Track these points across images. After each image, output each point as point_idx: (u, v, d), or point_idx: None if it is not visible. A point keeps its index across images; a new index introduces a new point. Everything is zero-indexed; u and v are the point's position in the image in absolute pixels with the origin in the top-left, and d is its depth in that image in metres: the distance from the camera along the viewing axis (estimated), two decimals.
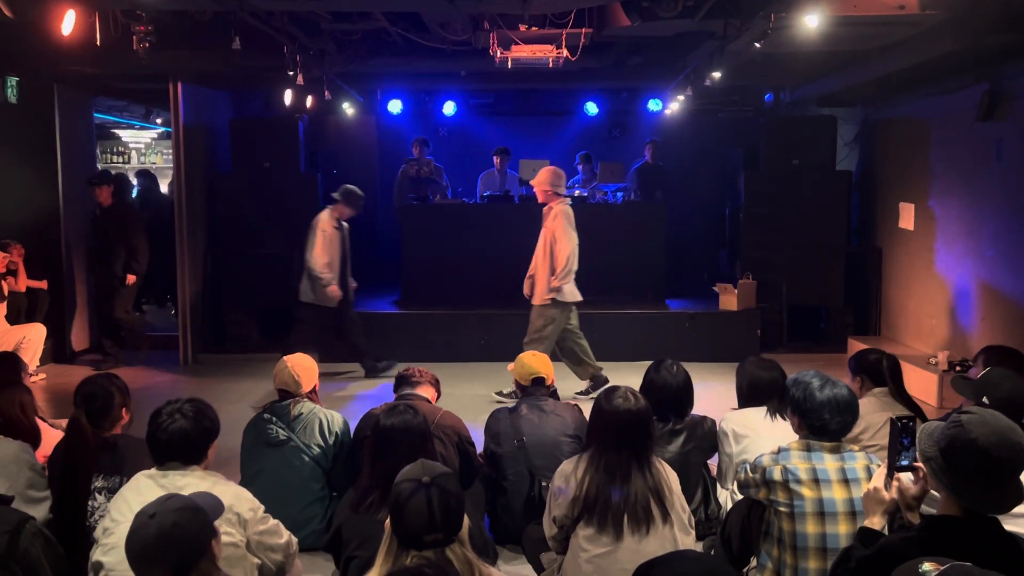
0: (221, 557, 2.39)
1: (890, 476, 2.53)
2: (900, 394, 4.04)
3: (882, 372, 4.11)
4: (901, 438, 2.50)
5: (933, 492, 2.40)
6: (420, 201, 9.55)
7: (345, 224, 7.73)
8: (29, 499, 3.37)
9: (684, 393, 4.28)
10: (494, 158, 10.28)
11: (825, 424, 3.02)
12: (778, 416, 3.95)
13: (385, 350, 8.17)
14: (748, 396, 4.17)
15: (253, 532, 2.91)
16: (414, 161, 9.84)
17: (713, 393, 7.15)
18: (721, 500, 4.27)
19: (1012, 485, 2.15)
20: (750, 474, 3.08)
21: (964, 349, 7.37)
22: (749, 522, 3.22)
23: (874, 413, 4.02)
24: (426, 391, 4.44)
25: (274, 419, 4.24)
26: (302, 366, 4.36)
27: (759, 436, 3.92)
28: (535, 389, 4.61)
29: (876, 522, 2.52)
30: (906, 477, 2.51)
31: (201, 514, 2.31)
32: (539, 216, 9.19)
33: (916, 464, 2.46)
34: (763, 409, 4.03)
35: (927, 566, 1.77)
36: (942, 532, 2.18)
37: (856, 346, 8.38)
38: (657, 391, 4.14)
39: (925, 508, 2.53)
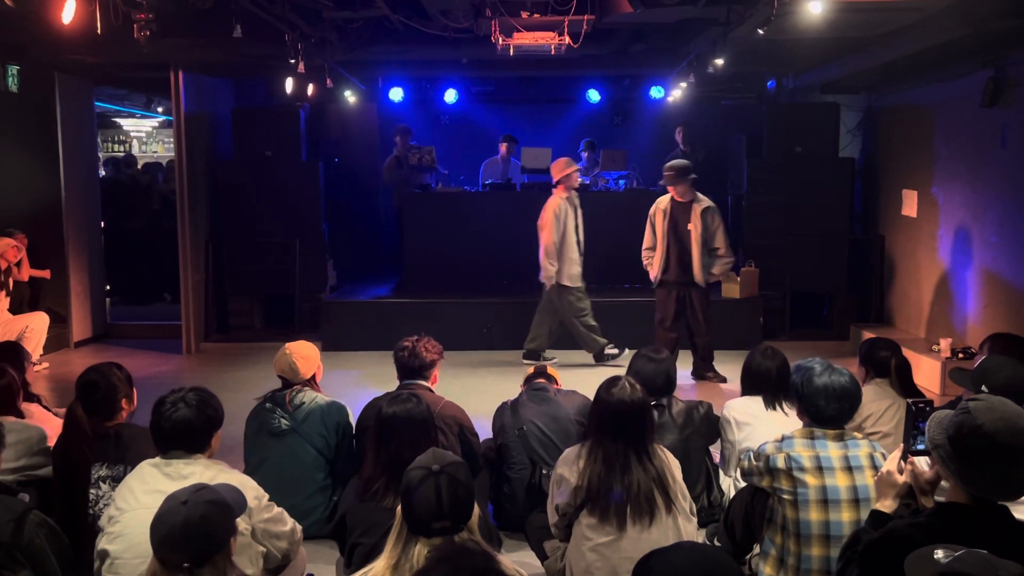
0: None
1: (904, 460, 2.53)
2: (907, 392, 4.03)
3: (889, 370, 4.10)
4: (917, 422, 2.48)
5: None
6: (421, 189, 9.53)
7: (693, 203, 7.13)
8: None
9: (663, 376, 4.26)
10: (500, 145, 10.23)
11: (820, 410, 3.02)
12: (777, 406, 3.96)
13: (386, 338, 8.14)
14: (747, 384, 4.17)
15: (258, 520, 2.92)
16: (416, 149, 9.81)
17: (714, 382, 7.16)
18: (724, 487, 4.28)
19: (1019, 472, 2.14)
20: (753, 462, 3.08)
21: (967, 336, 7.37)
22: (752, 509, 3.22)
23: (876, 401, 4.04)
24: (428, 380, 4.44)
25: (276, 408, 4.25)
26: (301, 354, 4.34)
27: (761, 424, 3.92)
28: (536, 378, 4.63)
29: (888, 505, 2.52)
30: (921, 461, 2.50)
31: (228, 511, 2.35)
32: (540, 204, 9.20)
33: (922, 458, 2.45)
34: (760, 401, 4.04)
35: (940, 553, 1.76)
36: (950, 519, 2.18)
37: (859, 333, 8.38)
38: (640, 377, 4.18)
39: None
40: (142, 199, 11.23)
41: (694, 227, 7.02)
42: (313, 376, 4.39)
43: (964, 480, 2.17)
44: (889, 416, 3.98)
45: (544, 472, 4.11)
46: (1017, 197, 6.80)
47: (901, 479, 2.51)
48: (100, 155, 11.62)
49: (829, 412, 3.02)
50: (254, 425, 4.32)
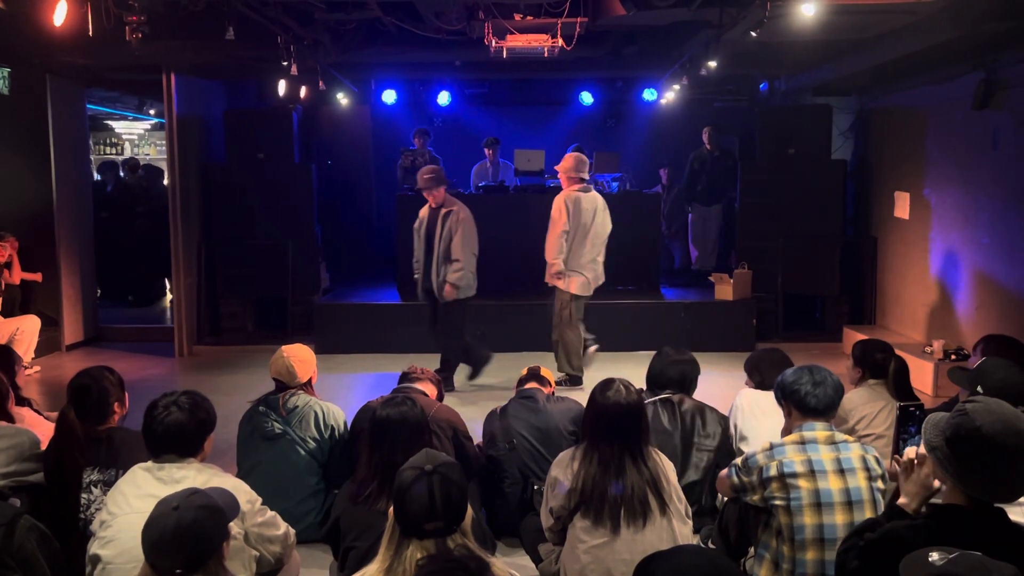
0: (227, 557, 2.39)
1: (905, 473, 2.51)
2: (903, 395, 4.02)
3: (886, 372, 4.10)
4: (908, 426, 2.48)
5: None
6: (415, 192, 9.51)
7: (444, 209, 6.88)
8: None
9: (678, 371, 4.28)
10: (485, 150, 10.25)
11: (802, 397, 3.03)
12: None
13: (379, 340, 8.15)
14: (763, 379, 4.18)
15: (251, 524, 2.90)
16: (409, 152, 9.80)
17: (710, 383, 7.15)
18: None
19: (1017, 473, 2.14)
20: (744, 478, 3.07)
21: (959, 338, 7.39)
22: (746, 513, 3.21)
23: (869, 403, 4.03)
24: (425, 387, 4.42)
25: (269, 412, 4.22)
26: (298, 357, 4.32)
27: (764, 418, 3.92)
28: (528, 380, 4.60)
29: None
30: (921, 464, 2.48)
31: (220, 515, 2.34)
32: (534, 206, 9.19)
33: (922, 452, 2.44)
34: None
35: (935, 555, 1.77)
36: (947, 521, 2.18)
37: (851, 335, 8.39)
38: (654, 371, 4.23)
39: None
40: (144, 201, 11.28)
41: (440, 235, 6.81)
42: (309, 380, 4.36)
43: (963, 482, 2.18)
44: (882, 418, 3.98)
45: (536, 487, 4.06)
46: (1008, 199, 6.82)
47: (935, 483, 2.47)
48: (92, 157, 11.59)
49: (812, 392, 3.02)
50: (247, 429, 4.30)
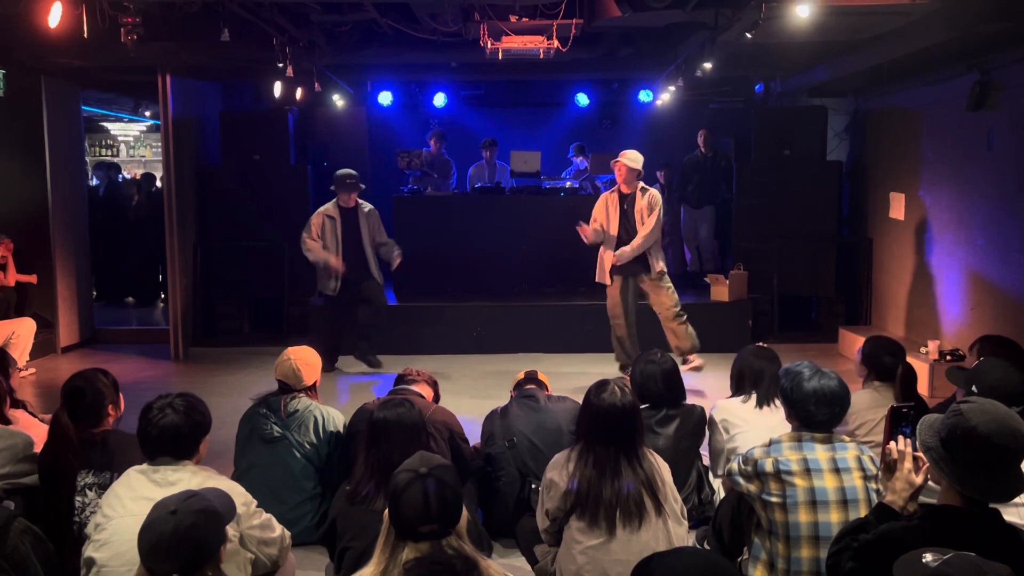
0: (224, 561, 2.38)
1: (888, 472, 2.51)
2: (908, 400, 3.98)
3: (893, 375, 4.05)
4: (901, 427, 2.48)
5: (931, 484, 2.39)
6: (411, 192, 9.52)
7: (364, 209, 7.67)
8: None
9: (670, 382, 4.28)
10: (483, 151, 10.26)
11: (811, 415, 3.03)
12: (768, 404, 3.95)
13: (377, 343, 8.14)
14: (738, 384, 4.17)
15: (246, 527, 2.89)
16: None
17: (705, 383, 7.17)
18: (715, 485, 4.27)
19: (1013, 473, 2.15)
20: (742, 466, 3.08)
21: (955, 338, 7.40)
22: (739, 514, 3.22)
23: (871, 409, 3.98)
24: (422, 389, 4.41)
25: (270, 414, 4.19)
26: (305, 360, 4.26)
27: (750, 427, 3.92)
28: (526, 383, 4.60)
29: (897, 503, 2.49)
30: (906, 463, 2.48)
31: (218, 519, 2.32)
32: (530, 207, 9.21)
33: (916, 454, 2.45)
34: (753, 399, 4.03)
35: (929, 556, 1.77)
36: (943, 522, 2.19)
37: (847, 336, 8.41)
38: (646, 381, 4.21)
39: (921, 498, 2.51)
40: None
41: (364, 229, 7.60)
42: (314, 383, 4.32)
43: (959, 482, 2.18)
44: (883, 425, 3.94)
45: (533, 487, 4.04)
46: (1003, 200, 6.84)
47: (919, 479, 2.48)
48: (88, 159, 11.60)
49: (820, 417, 3.02)
50: (246, 429, 4.26)
